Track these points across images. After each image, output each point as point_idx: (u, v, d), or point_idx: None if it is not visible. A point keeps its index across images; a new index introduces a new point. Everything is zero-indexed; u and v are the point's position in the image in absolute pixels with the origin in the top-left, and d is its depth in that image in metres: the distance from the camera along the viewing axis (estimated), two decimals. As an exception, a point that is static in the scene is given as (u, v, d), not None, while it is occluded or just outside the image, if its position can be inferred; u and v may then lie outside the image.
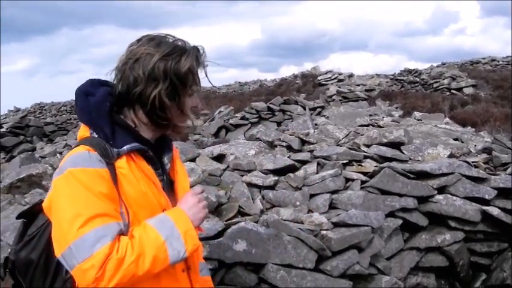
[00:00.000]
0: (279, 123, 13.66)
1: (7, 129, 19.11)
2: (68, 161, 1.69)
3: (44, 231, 1.77)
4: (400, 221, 4.38)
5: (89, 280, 1.51)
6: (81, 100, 1.83)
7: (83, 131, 1.84)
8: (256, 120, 14.05)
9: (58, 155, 10.80)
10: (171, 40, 1.83)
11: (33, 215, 1.87)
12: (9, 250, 2.46)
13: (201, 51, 1.87)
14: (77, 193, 1.60)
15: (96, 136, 1.77)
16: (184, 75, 1.80)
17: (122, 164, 1.72)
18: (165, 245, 1.63)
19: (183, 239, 1.67)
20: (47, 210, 1.73)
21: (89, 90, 1.84)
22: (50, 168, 4.85)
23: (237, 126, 13.72)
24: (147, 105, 1.78)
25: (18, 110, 34.86)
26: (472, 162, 5.08)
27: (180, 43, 1.83)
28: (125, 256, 1.55)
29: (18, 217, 1.91)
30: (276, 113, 14.33)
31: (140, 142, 1.80)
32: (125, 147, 1.75)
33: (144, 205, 1.73)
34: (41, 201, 1.84)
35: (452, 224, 4.53)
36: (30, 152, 10.04)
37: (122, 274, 1.54)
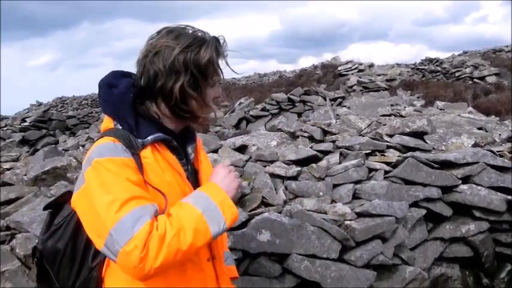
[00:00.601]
0: (299, 114, 13.60)
1: (30, 123, 19.35)
2: (94, 152, 1.70)
3: (70, 221, 1.81)
4: (424, 211, 4.35)
5: (135, 261, 1.50)
6: (105, 92, 1.84)
7: (107, 122, 1.84)
8: (276, 111, 14.01)
9: (81, 147, 10.91)
10: (190, 31, 1.81)
11: (59, 205, 1.91)
12: (37, 240, 2.51)
13: (221, 41, 1.86)
14: (108, 180, 1.61)
15: (120, 127, 1.78)
16: (205, 67, 1.79)
17: (146, 154, 1.73)
18: (203, 217, 1.63)
19: (220, 210, 1.69)
20: (77, 205, 1.74)
21: (112, 82, 1.85)
22: (74, 160, 4.90)
23: (257, 117, 13.69)
24: (168, 98, 1.78)
25: (40, 104, 35.27)
26: (497, 151, 5.01)
27: (199, 34, 1.82)
28: (165, 232, 1.55)
29: (45, 208, 1.94)
30: (297, 104, 14.27)
31: (164, 132, 1.81)
32: (149, 138, 1.75)
33: (169, 194, 1.73)
34: (67, 192, 1.89)
35: (477, 214, 4.50)
36: (53, 145, 10.15)
37: (166, 251, 1.53)
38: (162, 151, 1.79)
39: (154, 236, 1.52)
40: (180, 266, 1.73)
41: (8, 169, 6.93)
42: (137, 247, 1.50)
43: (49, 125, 19.70)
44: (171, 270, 1.69)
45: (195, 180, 1.93)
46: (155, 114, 1.83)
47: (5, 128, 19.24)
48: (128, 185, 1.61)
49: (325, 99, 14.32)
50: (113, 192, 1.59)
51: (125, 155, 1.67)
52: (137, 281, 1.63)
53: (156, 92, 1.79)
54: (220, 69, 1.87)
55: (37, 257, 1.87)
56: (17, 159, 10.04)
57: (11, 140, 17.12)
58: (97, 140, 1.77)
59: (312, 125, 5.99)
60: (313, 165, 4.57)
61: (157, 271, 1.54)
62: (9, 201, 4.06)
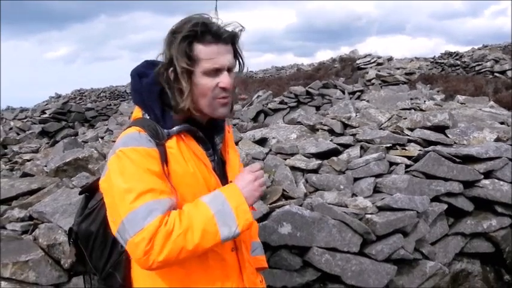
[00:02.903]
0: (317, 108, 13.55)
1: (50, 115, 19.56)
2: (120, 142, 1.74)
3: (102, 205, 1.83)
4: (445, 206, 4.31)
5: (140, 253, 1.56)
6: (135, 81, 1.87)
7: (136, 112, 1.88)
8: (295, 104, 13.96)
9: (100, 139, 10.99)
10: (196, 17, 1.76)
11: (93, 189, 1.96)
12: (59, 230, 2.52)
13: (205, 21, 1.75)
14: (128, 170, 1.66)
15: (148, 117, 1.81)
16: (184, 49, 1.73)
17: (171, 144, 1.76)
18: (214, 219, 1.64)
19: (234, 214, 1.67)
20: (102, 190, 1.79)
21: (143, 72, 1.87)
22: (95, 152, 4.93)
23: (275, 110, 13.65)
24: (169, 88, 1.79)
25: (59, 96, 35.57)
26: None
27: (196, 17, 1.76)
28: (173, 229, 1.59)
29: (80, 192, 2.02)
30: (315, 97, 14.21)
31: (190, 123, 1.82)
32: (174, 128, 1.78)
33: (192, 184, 1.76)
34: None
35: (499, 209, 4.45)
36: (73, 137, 10.23)
37: (170, 247, 1.57)
38: (188, 141, 1.81)
39: (161, 231, 1.57)
40: (201, 256, 1.75)
41: (28, 160, 7.02)
42: (144, 240, 1.56)
43: (68, 116, 19.89)
44: (192, 258, 1.72)
45: (222, 171, 1.94)
46: None
47: (25, 120, 19.45)
48: (147, 176, 1.65)
49: (343, 92, 14.26)
50: (131, 182, 1.63)
51: (149, 145, 1.70)
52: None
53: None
54: (215, 55, 1.77)
55: (73, 238, 1.95)
56: (36, 151, 10.17)
57: (30, 131, 17.33)
58: (125, 129, 1.80)
59: (332, 118, 5.97)
60: (334, 158, 4.55)
61: (160, 265, 1.60)
62: (31, 192, 4.10)
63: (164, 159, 1.72)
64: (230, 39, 1.79)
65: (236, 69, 1.89)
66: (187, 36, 1.72)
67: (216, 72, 1.77)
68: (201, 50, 1.74)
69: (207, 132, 1.91)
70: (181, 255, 1.61)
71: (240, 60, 1.88)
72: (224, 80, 1.78)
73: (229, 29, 1.78)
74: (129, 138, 1.73)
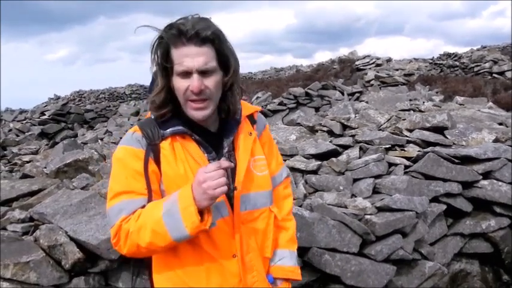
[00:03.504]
0: (317, 109, 13.58)
1: (49, 116, 19.57)
2: (121, 139, 1.93)
3: None
4: (444, 206, 4.33)
5: (112, 243, 1.82)
6: (151, 83, 1.94)
7: (148, 112, 1.97)
8: (294, 105, 13.98)
9: (99, 141, 11.00)
10: (175, 21, 1.78)
11: None
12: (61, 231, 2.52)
13: (178, 25, 1.75)
14: (115, 171, 1.86)
15: (153, 117, 1.90)
16: (160, 51, 1.80)
17: (165, 145, 1.84)
18: (161, 219, 1.69)
19: (181, 216, 1.67)
20: None
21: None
22: (95, 153, 4.94)
23: (274, 111, 13.68)
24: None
25: (58, 97, 35.57)
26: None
27: (175, 21, 1.78)
28: (129, 227, 1.75)
29: None
30: (314, 99, 14.23)
31: (187, 126, 1.85)
32: (168, 130, 1.85)
33: (181, 185, 1.77)
34: None
35: (498, 209, 4.47)
36: (72, 139, 10.25)
37: (129, 243, 1.76)
38: (186, 143, 1.85)
39: (123, 229, 1.76)
40: (199, 262, 1.86)
41: (28, 161, 7.02)
42: (111, 234, 1.80)
43: (67, 118, 19.91)
44: (189, 265, 1.85)
45: (233, 176, 1.93)
46: None
47: (24, 121, 19.46)
48: (125, 179, 1.82)
49: (342, 93, 14.28)
50: (113, 182, 1.85)
51: (136, 146, 1.84)
52: (167, 268, 1.93)
53: None
54: (183, 57, 1.77)
55: None
56: (36, 152, 10.18)
57: (30, 133, 17.33)
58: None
59: (331, 119, 5.98)
60: (333, 159, 4.57)
61: (128, 255, 1.81)
62: (32, 193, 4.11)
63: (156, 159, 1.83)
64: (202, 41, 1.75)
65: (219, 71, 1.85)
66: (162, 39, 1.77)
67: (186, 74, 1.77)
68: (173, 52, 1.76)
69: (216, 135, 1.94)
70: (141, 250, 1.76)
71: (227, 62, 1.84)
72: (192, 83, 1.76)
73: (204, 31, 1.74)
74: (125, 137, 1.91)
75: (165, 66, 1.79)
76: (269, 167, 2.11)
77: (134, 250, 1.76)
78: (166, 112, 1.86)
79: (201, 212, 1.69)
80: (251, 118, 2.09)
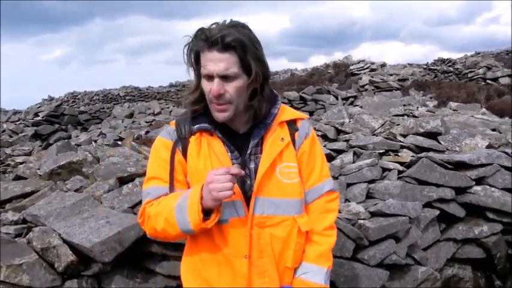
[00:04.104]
0: (311, 113, 13.61)
1: (43, 117, 19.50)
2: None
3: None
4: (437, 212, 4.34)
5: (139, 222, 2.05)
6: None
7: None
8: (288, 109, 13.98)
9: (93, 143, 10.96)
10: (205, 26, 1.88)
11: None
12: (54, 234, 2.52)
13: (205, 31, 1.85)
14: (150, 158, 2.08)
15: (189, 115, 2.06)
16: (191, 55, 1.93)
17: (193, 140, 1.99)
18: (173, 210, 1.85)
19: (187, 211, 1.81)
20: None
21: None
22: (89, 155, 4.91)
23: (269, 115, 13.67)
24: None
25: (52, 98, 35.39)
26: (511, 153, 4.99)
27: (206, 28, 1.88)
28: (150, 211, 1.95)
29: None
30: (309, 103, 14.28)
31: (215, 124, 1.98)
32: (195, 126, 1.99)
33: (200, 180, 1.86)
34: None
35: (490, 215, 4.49)
36: (66, 140, 10.20)
37: (149, 225, 1.96)
38: (212, 140, 1.98)
39: (146, 212, 1.97)
40: (212, 255, 1.99)
41: (21, 163, 6.99)
42: (138, 214, 2.04)
43: (61, 119, 19.86)
44: (205, 256, 2.01)
45: (255, 175, 1.99)
46: None
47: (18, 122, 19.38)
48: (156, 166, 2.02)
49: (337, 98, 14.32)
50: (148, 168, 2.08)
51: (167, 137, 2.04)
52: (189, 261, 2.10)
53: None
54: (209, 63, 1.86)
55: None
56: (29, 154, 10.13)
57: (23, 134, 17.26)
58: None
59: (326, 124, 5.99)
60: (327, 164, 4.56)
61: (151, 236, 2.04)
62: (25, 195, 4.09)
63: (183, 151, 1.99)
64: (225, 47, 1.81)
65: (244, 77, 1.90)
66: (192, 43, 1.90)
67: (209, 78, 1.87)
68: (201, 56, 1.88)
69: (244, 136, 2.02)
70: (158, 234, 1.95)
71: (250, 68, 1.87)
72: (213, 87, 1.85)
73: (227, 38, 1.80)
74: (163, 129, 2.19)
75: (196, 68, 1.94)
76: (309, 178, 2.11)
77: (153, 232, 1.96)
78: (198, 109, 2.00)
79: (210, 211, 1.83)
80: (292, 125, 2.10)
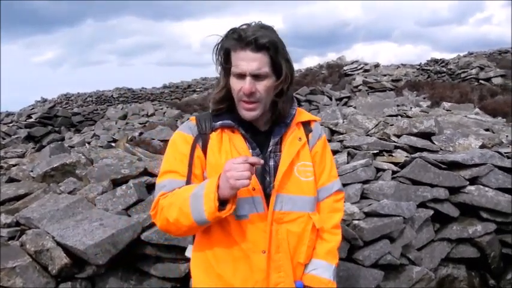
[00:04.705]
0: (305, 114, 13.62)
1: (36, 119, 19.45)
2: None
3: None
4: (431, 212, 4.34)
5: (151, 215, 2.01)
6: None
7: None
8: (282, 110, 13.99)
9: (87, 144, 10.92)
10: (238, 26, 1.94)
11: None
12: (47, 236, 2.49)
13: (239, 31, 1.91)
14: (167, 152, 2.08)
15: (210, 111, 2.11)
16: (221, 53, 1.97)
17: (213, 136, 2.02)
18: (188, 200, 1.83)
19: (203, 200, 1.79)
20: None
21: None
22: (83, 157, 4.91)
23: (262, 116, 13.69)
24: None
25: (45, 100, 35.26)
26: (504, 153, 5.01)
27: (240, 27, 1.93)
28: (164, 203, 1.93)
29: None
30: (302, 103, 14.30)
31: (238, 122, 2.02)
32: (218, 122, 2.02)
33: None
34: None
35: (484, 215, 4.49)
36: (59, 142, 10.17)
37: (161, 217, 1.93)
38: (233, 137, 2.03)
39: (160, 204, 1.94)
40: (228, 251, 1.99)
41: (14, 165, 6.96)
42: (152, 207, 2.00)
43: (54, 121, 19.81)
44: (219, 252, 2.00)
45: (274, 172, 2.04)
46: None
47: (11, 124, 19.31)
48: (174, 159, 2.03)
49: (331, 98, 14.34)
50: (164, 162, 2.07)
51: (187, 132, 2.06)
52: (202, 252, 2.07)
53: None
54: (241, 61, 1.91)
55: None
56: (22, 156, 10.08)
57: (16, 136, 17.20)
58: None
59: (320, 125, 6.00)
60: (321, 164, 4.56)
61: (162, 229, 1.99)
62: (18, 197, 4.07)
63: (203, 147, 2.01)
64: (259, 47, 1.88)
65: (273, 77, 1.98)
66: (223, 42, 1.94)
67: (241, 76, 1.92)
68: (232, 55, 1.93)
69: (265, 134, 2.07)
70: (170, 226, 1.92)
71: (280, 69, 1.95)
72: (244, 85, 1.91)
73: (262, 39, 1.87)
74: (183, 124, 2.15)
75: (225, 67, 1.97)
76: (319, 178, 2.18)
77: (165, 224, 1.93)
78: (223, 108, 2.05)
79: (225, 202, 1.81)
80: (307, 126, 2.19)
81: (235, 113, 2.03)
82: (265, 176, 2.02)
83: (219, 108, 2.05)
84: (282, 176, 2.01)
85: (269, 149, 2.04)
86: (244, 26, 1.92)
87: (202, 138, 2.02)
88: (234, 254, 1.98)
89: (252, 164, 1.78)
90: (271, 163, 2.04)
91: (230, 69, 1.94)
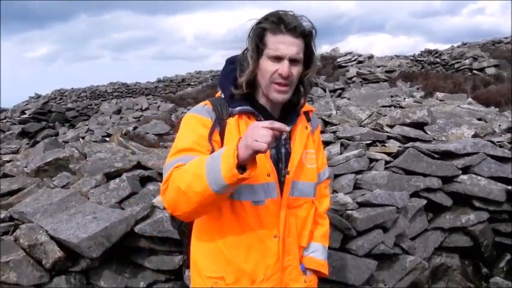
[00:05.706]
0: (299, 106, 13.60)
1: (30, 115, 19.40)
2: (191, 109, 2.11)
3: None
4: (424, 201, 4.36)
5: (162, 190, 1.89)
6: (224, 67, 2.17)
7: (218, 92, 2.16)
8: (276, 102, 13.97)
9: (81, 139, 10.92)
10: (275, 11, 1.96)
11: None
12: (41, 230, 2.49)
13: (283, 15, 1.93)
14: (183, 132, 2.02)
15: (223, 97, 2.09)
16: (257, 35, 1.95)
17: (231, 121, 2.00)
18: (204, 164, 1.75)
19: (220, 159, 1.71)
20: None
21: (233, 59, 2.14)
22: (76, 151, 4.90)
23: (257, 108, 13.66)
24: (240, 67, 2.05)
25: (39, 96, 35.12)
26: (497, 142, 5.03)
27: (281, 12, 1.95)
28: (176, 173, 1.83)
29: None
30: (296, 96, 14.27)
31: (254, 107, 2.03)
32: (236, 108, 2.01)
33: None
34: None
35: (477, 204, 4.51)
36: (53, 137, 10.14)
37: (172, 186, 1.82)
38: (251, 123, 1.95)
39: (173, 175, 1.84)
40: (241, 237, 1.99)
41: (8, 161, 6.94)
42: (163, 181, 1.89)
43: (49, 117, 19.75)
44: (231, 238, 1.99)
45: (286, 161, 2.07)
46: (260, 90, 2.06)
47: (5, 120, 19.26)
48: (190, 138, 1.96)
49: (324, 90, 14.34)
50: (178, 141, 1.99)
51: (205, 116, 2.01)
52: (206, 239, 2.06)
53: None
54: (281, 44, 1.92)
55: None
56: (17, 152, 10.05)
57: (10, 132, 17.15)
58: None
59: (314, 115, 6.01)
60: (314, 155, 4.57)
61: (170, 204, 1.86)
62: (11, 192, 4.07)
63: (221, 132, 1.98)
64: (299, 33, 1.93)
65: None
66: (261, 24, 1.94)
67: (277, 59, 1.93)
68: (269, 37, 1.93)
69: (277, 120, 2.02)
70: (180, 197, 1.79)
71: (311, 57, 2.02)
72: (283, 68, 1.93)
73: (303, 26, 1.94)
74: (196, 107, 2.09)
75: (260, 49, 1.95)
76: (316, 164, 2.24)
77: (174, 197, 1.81)
78: (244, 94, 2.03)
79: (244, 168, 1.71)
80: (307, 115, 2.24)
81: (252, 99, 2.05)
82: (278, 163, 2.05)
83: (244, 94, 2.03)
84: (297, 163, 2.06)
85: (283, 137, 2.06)
86: (282, 12, 1.95)
87: (219, 123, 2.01)
88: (248, 239, 2.00)
89: (277, 130, 1.70)
90: (283, 150, 2.07)
91: (261, 51, 1.96)
